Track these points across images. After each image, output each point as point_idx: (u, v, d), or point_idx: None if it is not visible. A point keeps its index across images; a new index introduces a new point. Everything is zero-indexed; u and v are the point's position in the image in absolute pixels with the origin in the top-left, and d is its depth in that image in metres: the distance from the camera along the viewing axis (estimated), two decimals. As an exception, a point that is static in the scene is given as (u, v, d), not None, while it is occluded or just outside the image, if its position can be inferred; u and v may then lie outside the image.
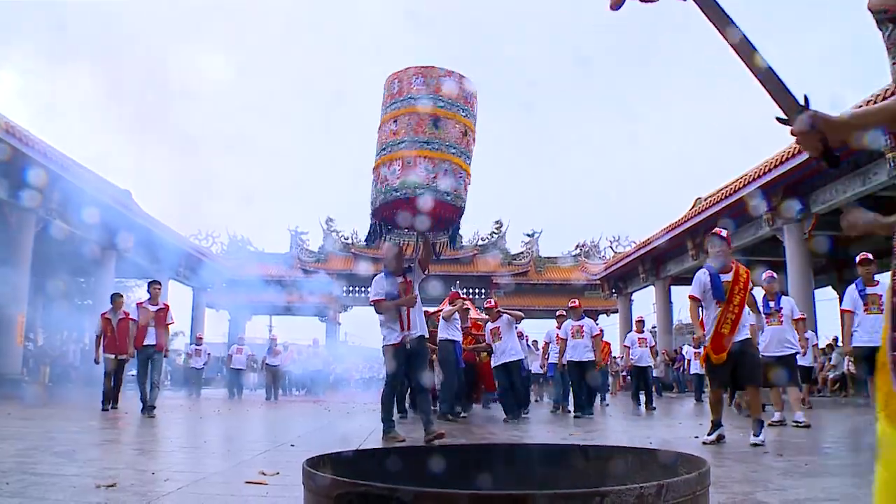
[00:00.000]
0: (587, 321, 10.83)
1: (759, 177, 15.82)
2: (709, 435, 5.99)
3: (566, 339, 10.71)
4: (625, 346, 12.80)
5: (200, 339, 20.74)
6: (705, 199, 20.86)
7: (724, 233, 6.53)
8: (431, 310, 10.57)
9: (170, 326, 10.08)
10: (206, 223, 37.00)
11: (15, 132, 14.46)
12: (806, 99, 1.52)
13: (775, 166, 15.12)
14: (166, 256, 24.91)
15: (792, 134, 1.50)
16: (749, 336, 6.36)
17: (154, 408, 9.13)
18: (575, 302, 11.18)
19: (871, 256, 7.59)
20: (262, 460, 4.44)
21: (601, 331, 11.89)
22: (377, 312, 6.28)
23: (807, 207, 15.82)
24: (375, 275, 6.52)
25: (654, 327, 25.68)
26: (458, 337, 9.78)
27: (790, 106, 1.48)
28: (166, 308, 9.92)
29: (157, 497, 2.98)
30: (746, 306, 6.24)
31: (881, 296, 7.03)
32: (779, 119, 1.54)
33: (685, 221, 21.14)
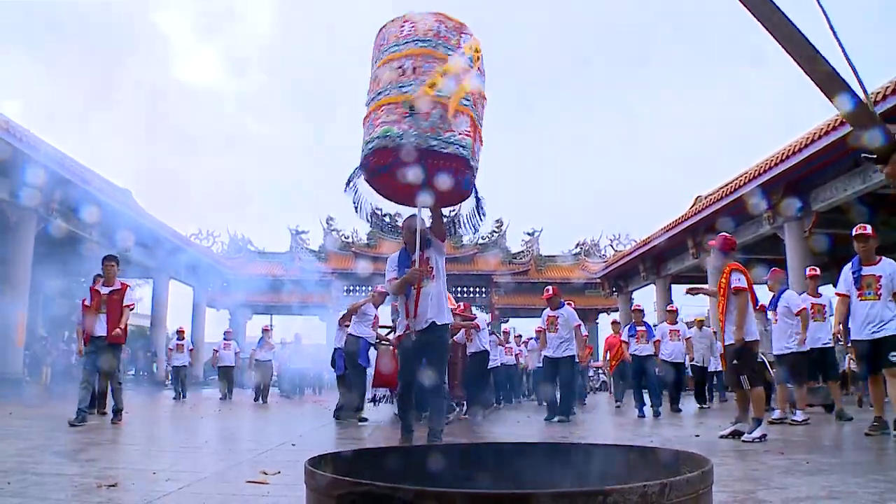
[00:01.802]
0: (564, 311, 9.55)
1: (760, 175, 15.80)
2: (749, 432, 6.04)
3: (544, 330, 9.63)
4: (655, 342, 11.20)
5: (182, 332, 17.80)
6: (705, 198, 20.83)
7: (713, 240, 6.63)
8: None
9: (129, 311, 7.98)
10: (206, 222, 37.09)
11: (15, 132, 14.45)
12: (885, 139, 1.45)
13: (775, 164, 15.10)
14: (166, 255, 24.94)
15: (885, 173, 1.45)
16: (731, 341, 6.22)
17: (120, 411, 7.69)
18: (549, 290, 9.86)
19: (869, 230, 6.34)
20: (263, 460, 4.44)
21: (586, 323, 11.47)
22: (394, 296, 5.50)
23: (807, 205, 15.80)
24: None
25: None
26: (367, 335, 9.11)
27: (882, 145, 1.42)
28: (123, 289, 7.87)
29: (158, 497, 2.97)
30: (734, 309, 6.21)
31: (880, 277, 6.13)
32: (867, 157, 1.49)
33: (685, 220, 21.11)
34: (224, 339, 17.42)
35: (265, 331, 16.95)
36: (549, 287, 10.10)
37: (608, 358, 14.74)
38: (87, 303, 8.02)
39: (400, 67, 4.58)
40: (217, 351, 17.06)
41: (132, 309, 8.13)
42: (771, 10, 1.43)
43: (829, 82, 1.45)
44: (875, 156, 1.48)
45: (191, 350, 17.66)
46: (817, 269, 8.54)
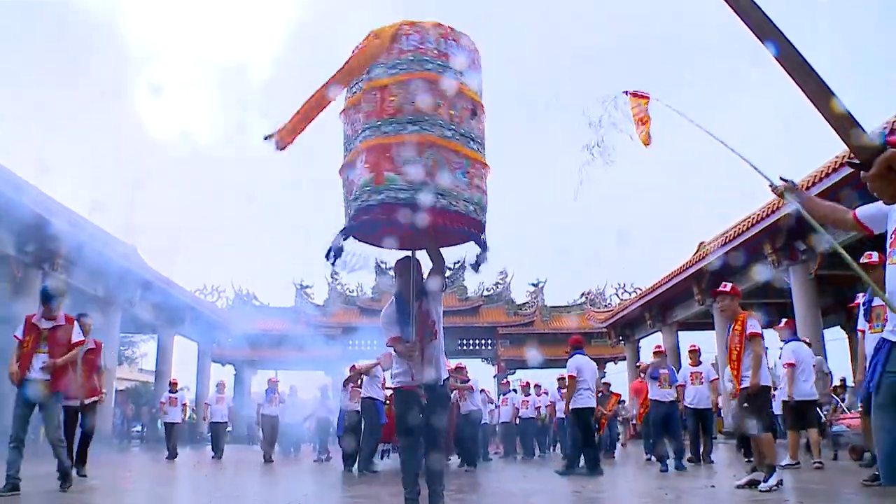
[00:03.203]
0: (569, 361, 9.11)
1: (763, 219, 15.78)
2: (765, 480, 5.85)
3: (575, 377, 8.86)
4: (678, 386, 10.17)
5: (175, 384, 15.87)
6: (709, 243, 20.82)
7: (724, 287, 6.63)
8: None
9: (75, 353, 6.45)
10: (211, 278, 37.17)
11: (22, 187, 14.57)
12: (884, 140, 1.44)
13: (778, 207, 15.08)
14: (171, 311, 24.92)
15: (866, 179, 1.42)
16: (747, 385, 6.14)
17: (68, 477, 6.13)
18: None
19: (875, 258, 5.63)
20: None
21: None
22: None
23: (811, 247, 15.75)
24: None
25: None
26: (380, 395, 9.51)
27: (866, 148, 1.39)
28: (69, 324, 6.34)
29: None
30: (750, 353, 6.19)
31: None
32: (850, 163, 1.47)
33: (689, 266, 21.05)
34: (217, 392, 15.92)
35: (273, 383, 15.74)
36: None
37: (636, 405, 13.87)
38: (19, 336, 6.28)
39: (390, 97, 3.95)
40: (209, 405, 15.75)
41: (80, 346, 6.59)
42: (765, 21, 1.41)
43: (820, 93, 1.43)
44: (858, 161, 1.46)
45: (184, 405, 16.35)
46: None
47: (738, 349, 6.30)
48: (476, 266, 4.57)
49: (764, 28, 1.31)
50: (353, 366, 10.75)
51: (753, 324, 6.29)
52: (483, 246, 4.44)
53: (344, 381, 10.26)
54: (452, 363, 10.58)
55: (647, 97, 4.77)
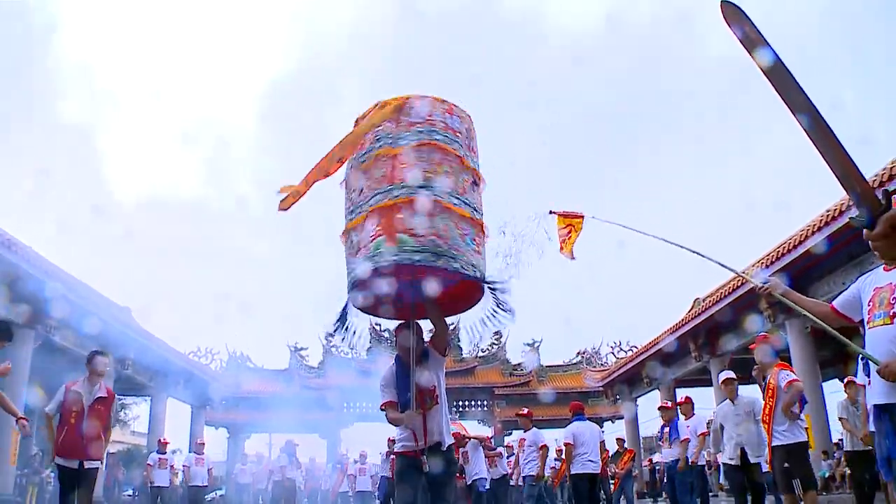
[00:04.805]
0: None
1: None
2: None
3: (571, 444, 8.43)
4: (682, 442, 9.12)
5: (165, 444, 14.58)
6: (704, 300, 20.83)
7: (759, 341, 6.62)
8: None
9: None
10: (205, 340, 36.95)
11: (16, 247, 14.59)
12: (888, 198, 1.45)
13: (772, 262, 15.18)
14: (164, 373, 24.67)
15: (869, 237, 1.43)
16: (784, 442, 5.92)
17: None
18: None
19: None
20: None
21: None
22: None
23: (806, 302, 15.76)
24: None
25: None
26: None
27: (871, 205, 1.40)
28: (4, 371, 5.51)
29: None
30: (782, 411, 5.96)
31: None
32: (853, 219, 1.49)
33: (685, 324, 21.00)
34: (196, 452, 14.54)
35: (292, 445, 14.88)
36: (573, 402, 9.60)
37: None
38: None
39: (401, 164, 4.03)
40: (188, 467, 14.26)
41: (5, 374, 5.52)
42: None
43: (832, 147, 1.44)
44: (863, 219, 1.47)
45: (172, 466, 14.99)
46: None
47: (769, 403, 6.04)
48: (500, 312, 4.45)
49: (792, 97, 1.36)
50: (391, 439, 11.98)
51: (788, 373, 6.11)
52: (499, 296, 4.38)
53: (387, 452, 12.00)
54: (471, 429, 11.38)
55: (581, 216, 5.00)
